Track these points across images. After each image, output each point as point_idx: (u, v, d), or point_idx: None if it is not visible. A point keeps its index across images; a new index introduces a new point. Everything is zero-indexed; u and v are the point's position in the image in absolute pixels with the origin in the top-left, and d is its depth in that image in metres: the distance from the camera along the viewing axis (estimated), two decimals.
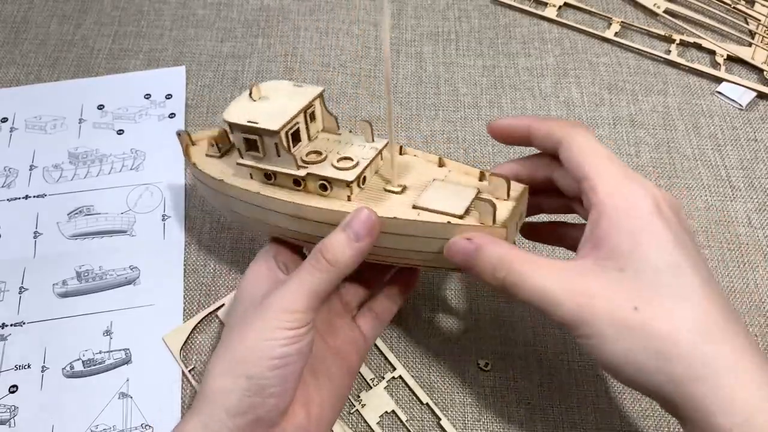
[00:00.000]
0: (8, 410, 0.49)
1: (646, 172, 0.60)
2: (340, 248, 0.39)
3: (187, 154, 0.50)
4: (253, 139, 0.44)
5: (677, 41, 0.68)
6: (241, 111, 0.44)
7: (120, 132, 0.64)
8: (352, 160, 0.44)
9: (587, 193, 0.37)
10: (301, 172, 0.44)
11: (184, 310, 0.54)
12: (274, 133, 0.42)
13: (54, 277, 0.55)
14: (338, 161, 0.44)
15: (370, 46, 0.69)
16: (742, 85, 0.65)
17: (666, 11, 0.71)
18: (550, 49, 0.69)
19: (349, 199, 0.44)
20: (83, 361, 0.51)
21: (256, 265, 0.44)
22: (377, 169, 0.46)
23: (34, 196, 0.60)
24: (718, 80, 0.66)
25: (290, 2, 0.72)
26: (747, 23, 0.70)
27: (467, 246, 0.38)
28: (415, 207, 0.43)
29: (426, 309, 0.54)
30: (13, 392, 0.50)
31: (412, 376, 0.50)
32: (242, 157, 0.45)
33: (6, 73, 0.67)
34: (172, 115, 0.65)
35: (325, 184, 0.44)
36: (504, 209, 0.41)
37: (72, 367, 0.51)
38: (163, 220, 0.58)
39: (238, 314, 0.42)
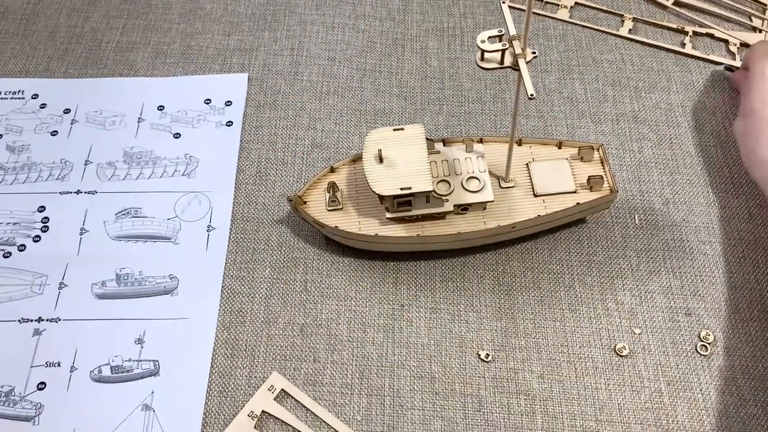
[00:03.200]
0: (34, 407, 0.49)
1: (648, 167, 0.61)
2: None
3: (308, 219, 0.54)
4: (407, 200, 0.50)
5: (690, 33, 0.69)
6: (386, 181, 0.49)
7: (177, 135, 0.62)
8: (478, 180, 0.52)
9: None
10: (449, 208, 0.51)
11: (217, 329, 0.53)
12: (429, 191, 0.49)
13: (94, 277, 0.55)
14: (467, 182, 0.52)
15: (376, 41, 0.70)
16: None
17: (675, 3, 0.71)
18: (554, 45, 0.69)
19: (485, 208, 0.53)
20: (111, 367, 0.51)
21: None
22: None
23: (85, 192, 0.59)
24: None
25: None
26: (754, 6, 0.71)
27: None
28: (536, 196, 0.53)
29: (428, 300, 0.54)
30: (41, 389, 0.50)
31: (414, 366, 0.51)
32: (389, 211, 0.51)
33: (16, 64, 0.68)
34: (229, 123, 0.63)
35: (467, 207, 0.52)
36: (607, 176, 0.53)
37: (100, 371, 0.50)
38: (208, 231, 0.57)
39: None
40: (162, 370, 0.51)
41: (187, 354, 0.51)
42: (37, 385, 0.50)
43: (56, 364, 0.51)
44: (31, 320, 0.53)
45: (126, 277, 0.55)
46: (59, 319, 0.53)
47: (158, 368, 0.51)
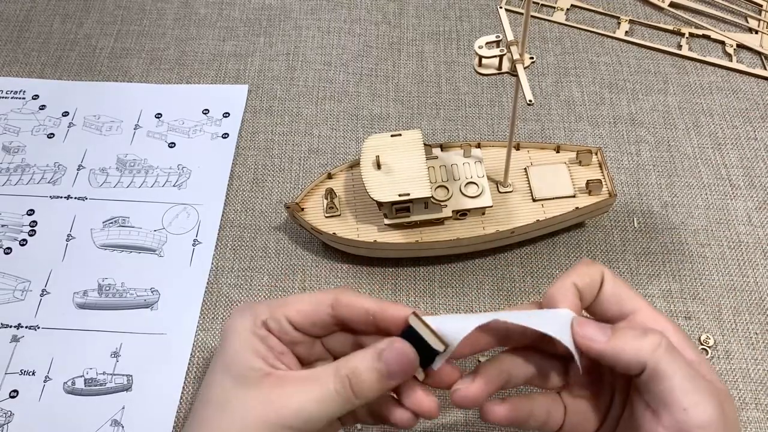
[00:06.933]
0: (4, 415, 0.48)
1: (646, 171, 0.60)
2: (371, 384, 0.35)
3: (306, 225, 0.53)
4: (405, 206, 0.50)
5: (686, 35, 0.69)
6: (384, 187, 0.49)
7: (171, 145, 0.62)
8: (476, 185, 0.52)
9: (663, 403, 0.33)
10: (448, 213, 0.51)
11: (193, 347, 0.52)
12: (427, 197, 0.49)
13: (76, 285, 0.54)
14: (465, 187, 0.52)
15: (372, 45, 0.69)
16: (754, 74, 0.66)
17: (671, 4, 0.71)
18: (550, 48, 0.69)
19: (483, 213, 0.52)
20: (85, 379, 0.50)
21: (241, 330, 0.37)
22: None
23: (75, 198, 0.59)
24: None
25: (292, 1, 0.73)
26: (750, 7, 0.71)
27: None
28: (535, 200, 0.53)
29: (427, 306, 0.54)
30: (13, 397, 0.49)
31: None
32: (387, 218, 0.51)
33: (9, 71, 0.68)
34: (225, 135, 0.62)
35: (465, 212, 0.52)
36: (606, 179, 0.53)
37: (73, 383, 0.50)
38: (194, 245, 0.56)
39: (224, 394, 0.36)
40: (135, 385, 0.50)
41: (161, 371, 0.50)
42: (10, 393, 0.49)
43: (31, 373, 0.50)
44: (11, 326, 0.52)
45: (108, 288, 0.54)
46: (38, 327, 0.52)
47: (131, 383, 0.50)
